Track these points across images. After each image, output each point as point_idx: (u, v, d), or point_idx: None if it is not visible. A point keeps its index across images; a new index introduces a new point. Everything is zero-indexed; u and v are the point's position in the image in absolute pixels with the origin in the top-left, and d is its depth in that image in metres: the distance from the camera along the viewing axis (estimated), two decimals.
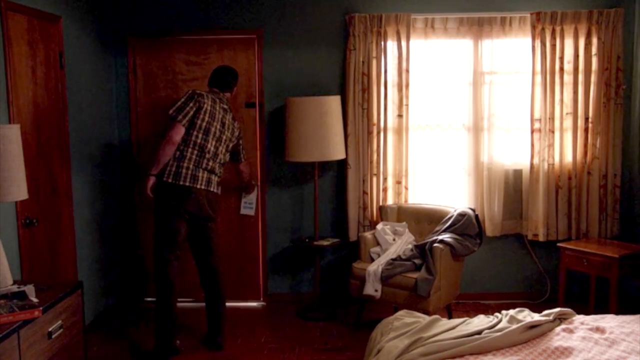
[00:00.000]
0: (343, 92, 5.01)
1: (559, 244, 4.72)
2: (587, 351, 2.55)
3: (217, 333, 4.34)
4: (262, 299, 5.32)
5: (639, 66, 4.93)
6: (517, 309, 3.00)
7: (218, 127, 4.19)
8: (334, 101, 4.82)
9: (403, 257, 4.49)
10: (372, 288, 4.41)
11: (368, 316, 4.79)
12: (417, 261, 4.42)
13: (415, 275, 4.31)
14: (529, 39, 4.90)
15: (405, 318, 2.95)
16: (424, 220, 4.85)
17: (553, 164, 4.96)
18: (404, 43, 4.92)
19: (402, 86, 4.96)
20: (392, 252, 4.57)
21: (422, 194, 5.15)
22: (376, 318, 4.76)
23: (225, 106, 4.30)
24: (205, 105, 4.14)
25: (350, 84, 4.95)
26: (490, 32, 4.95)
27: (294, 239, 5.12)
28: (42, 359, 2.69)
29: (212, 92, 4.32)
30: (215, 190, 4.22)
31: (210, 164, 4.16)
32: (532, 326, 2.75)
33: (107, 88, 5.03)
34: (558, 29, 4.85)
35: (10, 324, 2.47)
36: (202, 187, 4.12)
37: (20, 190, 2.81)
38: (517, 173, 5.14)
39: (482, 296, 5.24)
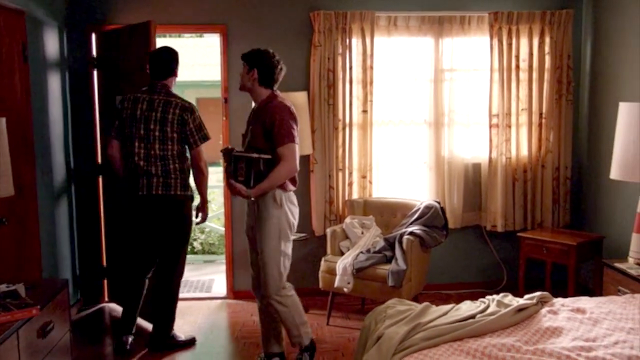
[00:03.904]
0: (309, 88, 5.06)
1: (519, 234, 4.94)
2: (575, 330, 2.71)
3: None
4: (231, 295, 5.31)
5: (587, 64, 5.23)
6: (502, 294, 3.14)
7: (142, 126, 3.97)
8: (301, 97, 4.86)
9: (373, 249, 4.59)
10: (344, 281, 4.48)
11: (337, 309, 4.88)
12: (387, 253, 4.53)
13: (386, 267, 4.41)
14: (487, 38, 5.10)
15: (398, 306, 3.03)
16: (390, 213, 4.97)
17: (510, 158, 5.18)
18: (368, 40, 5.02)
19: (367, 82, 5.06)
20: (361, 245, 4.66)
21: (386, 188, 5.27)
22: (345, 311, 4.95)
23: (156, 97, 4.00)
24: (125, 111, 4.01)
25: (316, 80, 5.00)
26: (450, 31, 5.12)
27: None
28: (37, 359, 2.61)
29: (147, 87, 4.09)
30: (162, 193, 3.98)
31: (146, 167, 3.97)
32: (520, 309, 2.89)
33: (68, 82, 4.87)
34: (514, 28, 5.08)
35: (9, 324, 2.39)
36: (145, 193, 4.00)
37: (8, 187, 2.71)
38: (476, 167, 5.34)
39: (443, 287, 5.41)
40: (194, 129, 4.02)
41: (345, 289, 4.47)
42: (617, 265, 3.89)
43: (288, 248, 3.68)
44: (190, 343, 4.33)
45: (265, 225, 3.58)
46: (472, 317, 2.82)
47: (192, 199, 4.19)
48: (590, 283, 4.90)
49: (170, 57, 4.12)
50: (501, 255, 5.41)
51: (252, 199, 3.55)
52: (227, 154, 3.59)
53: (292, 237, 3.74)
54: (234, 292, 5.31)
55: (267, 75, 3.57)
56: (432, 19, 5.09)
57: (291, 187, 3.64)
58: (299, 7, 5.06)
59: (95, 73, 5.03)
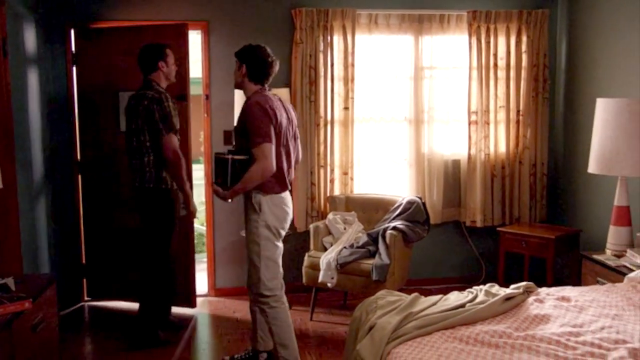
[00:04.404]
0: (290, 85, 5.08)
1: (498, 229, 5.03)
2: (562, 317, 2.79)
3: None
4: (212, 293, 5.30)
5: (562, 63, 5.35)
6: (488, 284, 3.19)
7: (125, 121, 4.12)
8: (283, 93, 4.87)
9: (356, 244, 4.62)
10: (328, 276, 4.51)
11: (320, 305, 4.91)
12: (371, 248, 4.57)
13: (370, 261, 4.45)
14: (465, 36, 5.19)
15: (388, 297, 3.07)
16: (371, 209, 5.02)
17: (488, 154, 5.28)
18: (349, 38, 5.06)
19: (348, 80, 5.10)
20: (344, 241, 4.69)
21: (367, 184, 5.31)
22: (328, 306, 4.97)
23: (142, 92, 4.04)
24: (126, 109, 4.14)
25: (298, 76, 5.02)
26: (430, 29, 5.19)
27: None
28: (28, 354, 2.58)
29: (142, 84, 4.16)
30: (137, 185, 4.07)
31: (130, 160, 4.09)
32: (508, 298, 2.95)
33: (47, 78, 4.80)
34: (492, 27, 5.17)
35: (3, 316, 2.35)
36: (135, 185, 4.10)
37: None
38: (456, 163, 5.42)
39: (423, 282, 5.47)
40: (159, 119, 3.96)
41: (329, 284, 4.49)
42: (596, 257, 4.00)
43: (272, 252, 3.53)
44: (169, 341, 4.29)
45: (247, 228, 3.56)
46: (462, 306, 2.87)
47: (167, 192, 4.10)
48: (566, 276, 5.00)
49: (152, 54, 4.12)
50: (480, 250, 5.50)
51: (229, 200, 3.53)
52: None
53: (278, 242, 3.57)
54: (215, 289, 5.29)
55: (255, 71, 3.51)
56: (412, 17, 5.16)
57: (277, 189, 3.48)
58: (281, 4, 5.08)
59: (74, 69, 4.97)
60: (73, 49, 4.94)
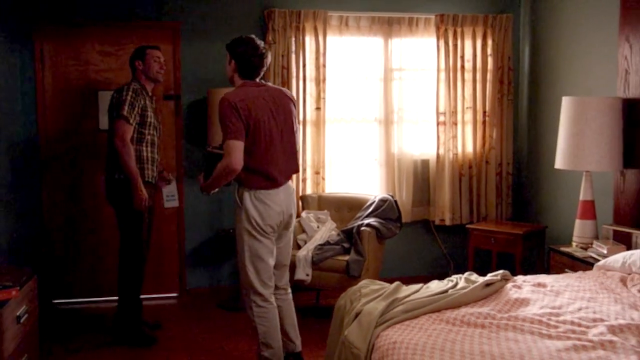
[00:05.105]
0: None
1: (467, 226, 5.15)
2: (541, 300, 2.89)
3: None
4: (180, 293, 5.25)
5: (525, 66, 5.55)
6: (467, 273, 3.28)
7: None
8: None
9: (331, 241, 4.67)
10: (303, 273, 4.54)
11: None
12: (345, 245, 4.63)
13: (345, 257, 4.51)
14: (433, 39, 5.32)
15: (371, 285, 3.12)
16: (344, 208, 5.08)
17: (457, 154, 5.41)
18: (321, 39, 5.13)
19: (320, 80, 5.16)
20: (318, 239, 4.74)
21: (338, 184, 5.37)
22: (301, 305, 4.98)
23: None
24: None
25: (270, 77, 5.06)
26: (399, 32, 5.31)
27: (219, 229, 5.11)
28: (13, 345, 2.53)
29: None
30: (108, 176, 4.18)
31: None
32: (488, 284, 3.04)
33: (12, 78, 4.71)
34: (459, 30, 5.32)
35: None
36: None
37: None
38: (425, 163, 5.53)
39: (392, 280, 5.50)
40: (113, 106, 4.07)
41: (305, 281, 4.52)
42: (563, 249, 4.14)
43: (257, 248, 3.44)
44: (155, 339, 4.26)
45: (235, 223, 3.56)
46: (445, 292, 2.94)
47: (122, 182, 4.06)
48: (533, 270, 5.15)
49: (134, 54, 4.25)
50: (448, 248, 5.61)
51: (204, 193, 3.54)
52: None
53: (263, 238, 3.45)
54: (187, 290, 5.25)
55: (244, 67, 3.42)
56: (381, 20, 5.27)
57: (262, 185, 3.39)
58: (254, 5, 5.12)
59: (40, 69, 4.89)
60: (41, 48, 4.86)
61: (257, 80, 3.49)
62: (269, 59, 3.53)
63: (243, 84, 3.46)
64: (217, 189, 3.48)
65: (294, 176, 5.10)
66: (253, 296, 3.49)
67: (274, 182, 3.43)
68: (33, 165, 4.91)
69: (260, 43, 3.48)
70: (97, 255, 5.06)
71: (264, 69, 3.49)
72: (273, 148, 3.41)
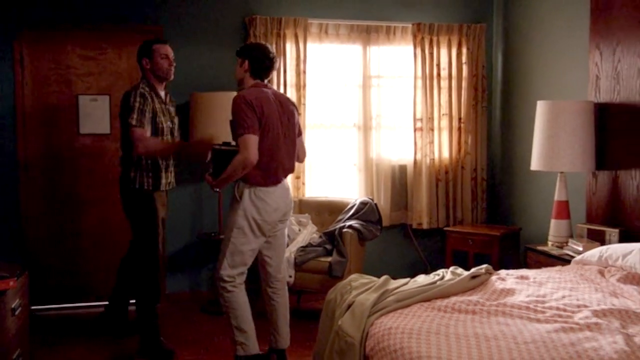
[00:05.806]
0: None
1: (445, 228, 5.28)
2: (526, 290, 3.00)
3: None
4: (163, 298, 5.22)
5: (498, 74, 5.73)
6: (452, 267, 3.38)
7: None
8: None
9: (313, 243, 4.73)
10: (286, 274, 4.57)
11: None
12: (327, 247, 4.70)
13: (328, 259, 4.58)
14: (410, 47, 5.46)
15: (360, 279, 3.19)
16: (324, 211, 5.16)
17: (433, 160, 5.54)
18: (301, 46, 5.23)
19: (300, 86, 5.25)
20: (300, 241, 4.80)
21: (318, 188, 5.45)
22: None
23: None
24: None
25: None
26: (377, 39, 5.44)
27: (200, 233, 5.12)
28: (8, 337, 2.52)
29: None
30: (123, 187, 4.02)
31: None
32: (474, 276, 3.14)
33: None
34: (435, 39, 5.48)
35: None
36: None
37: None
38: (403, 168, 5.65)
39: None
40: (123, 112, 3.87)
41: (288, 283, 4.56)
42: (540, 248, 4.28)
43: (241, 243, 3.54)
44: (173, 351, 4.09)
45: (228, 215, 3.63)
46: (433, 283, 3.03)
47: (136, 192, 3.92)
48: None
49: (139, 51, 4.02)
50: (425, 251, 5.72)
51: (217, 190, 3.61)
52: None
53: (254, 236, 3.55)
54: (166, 294, 5.23)
55: (258, 66, 3.60)
56: (360, 28, 5.39)
57: (262, 182, 3.51)
58: (235, 12, 5.19)
59: (21, 71, 4.86)
60: (21, 52, 4.83)
61: (266, 82, 3.70)
62: (277, 64, 3.80)
63: (255, 84, 3.64)
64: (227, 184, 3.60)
65: None
66: (224, 283, 3.58)
67: (275, 179, 3.57)
68: (11, 170, 4.86)
69: (272, 48, 3.74)
70: (76, 261, 5.02)
71: (273, 71, 3.75)
72: (277, 146, 3.57)
